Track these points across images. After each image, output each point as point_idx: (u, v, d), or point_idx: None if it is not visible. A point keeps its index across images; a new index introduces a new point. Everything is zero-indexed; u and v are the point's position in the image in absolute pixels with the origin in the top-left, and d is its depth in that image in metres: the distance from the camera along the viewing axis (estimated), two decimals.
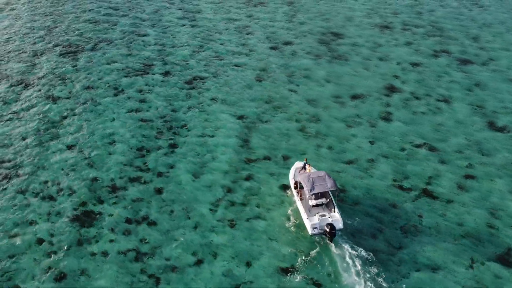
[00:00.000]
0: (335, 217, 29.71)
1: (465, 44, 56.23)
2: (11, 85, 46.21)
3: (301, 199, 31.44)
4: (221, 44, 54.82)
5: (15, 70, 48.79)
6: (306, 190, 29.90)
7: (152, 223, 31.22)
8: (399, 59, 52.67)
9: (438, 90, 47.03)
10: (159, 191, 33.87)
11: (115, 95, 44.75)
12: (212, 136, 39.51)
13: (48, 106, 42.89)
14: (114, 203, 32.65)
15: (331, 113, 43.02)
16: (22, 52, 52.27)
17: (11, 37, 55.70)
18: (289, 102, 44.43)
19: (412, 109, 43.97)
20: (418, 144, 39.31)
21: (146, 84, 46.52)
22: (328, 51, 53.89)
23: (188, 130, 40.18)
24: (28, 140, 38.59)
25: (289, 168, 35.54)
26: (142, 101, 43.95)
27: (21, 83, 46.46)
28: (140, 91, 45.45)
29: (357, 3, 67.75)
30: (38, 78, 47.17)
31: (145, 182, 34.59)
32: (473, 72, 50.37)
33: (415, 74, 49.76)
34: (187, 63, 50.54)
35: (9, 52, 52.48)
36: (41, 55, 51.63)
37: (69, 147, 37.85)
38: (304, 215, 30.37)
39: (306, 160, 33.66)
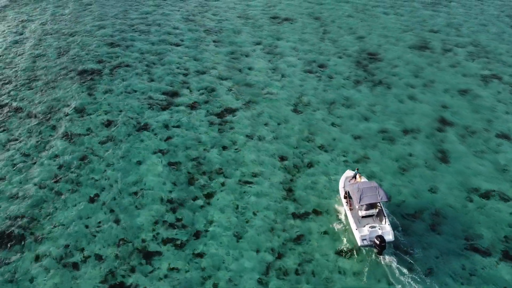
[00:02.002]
0: (386, 229, 29.15)
1: None
2: (22, 119, 41.66)
3: (350, 209, 30.87)
4: (250, 68, 50.22)
5: (27, 100, 44.22)
6: (355, 201, 29.60)
7: None
8: (446, 86, 48.03)
9: (495, 123, 42.40)
10: (198, 256, 29.28)
11: (138, 131, 40.16)
12: (252, 184, 34.91)
13: (64, 146, 38.31)
14: (149, 273, 28.06)
15: (381, 152, 38.42)
16: (34, 79, 47.70)
17: (22, 60, 51.13)
18: (333, 138, 39.82)
19: (471, 147, 39.36)
20: (486, 191, 34.71)
21: (172, 118, 41.93)
22: (367, 76, 49.26)
23: (224, 176, 35.59)
24: (44, 190, 34.00)
25: (346, 228, 30.97)
26: (169, 139, 39.35)
27: (33, 117, 41.90)
28: (166, 126, 40.85)
29: (389, 19, 63.11)
30: (53, 111, 42.60)
31: (181, 244, 30.00)
32: None
33: (466, 104, 45.13)
34: (214, 91, 45.94)
35: (20, 78, 47.91)
36: (54, 82, 47.05)
37: (91, 200, 33.26)
38: (353, 226, 29.78)
39: (357, 170, 32.90)
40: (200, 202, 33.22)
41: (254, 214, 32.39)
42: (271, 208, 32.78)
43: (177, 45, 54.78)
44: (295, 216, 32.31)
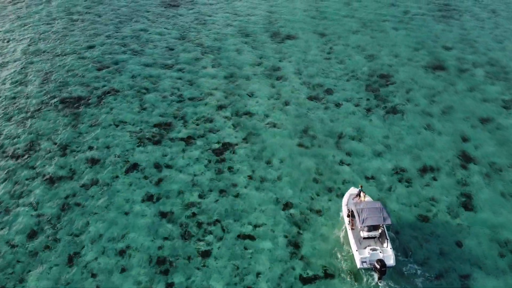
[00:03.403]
0: (388, 253, 27.93)
1: None
2: None
3: (352, 229, 29.70)
4: (250, 94, 46.06)
5: (4, 134, 40.10)
6: (358, 221, 28.26)
7: None
8: (465, 113, 43.88)
9: None
10: None
11: (127, 173, 36.05)
12: (253, 239, 30.79)
13: (44, 191, 34.20)
14: None
15: (398, 197, 34.28)
16: (13, 108, 43.55)
17: (1, 86, 46.96)
18: (343, 180, 35.67)
19: (498, 188, 35.22)
20: None
21: (164, 156, 37.82)
22: (378, 102, 45.09)
23: (222, 229, 31.46)
24: (17, 249, 29.88)
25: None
26: (161, 181, 35.24)
27: (10, 155, 37.77)
28: (157, 166, 36.74)
29: (399, 34, 58.92)
30: (32, 149, 38.48)
31: None
32: None
33: (488, 135, 40.98)
34: (212, 122, 41.81)
35: None
36: (36, 112, 42.92)
37: (70, 260, 29.13)
38: (354, 246, 28.65)
39: (361, 187, 31.43)
40: (195, 262, 29.11)
41: (257, 277, 28.29)
42: (275, 270, 28.67)
43: (172, 67, 50.66)
44: (302, 280, 28.21)
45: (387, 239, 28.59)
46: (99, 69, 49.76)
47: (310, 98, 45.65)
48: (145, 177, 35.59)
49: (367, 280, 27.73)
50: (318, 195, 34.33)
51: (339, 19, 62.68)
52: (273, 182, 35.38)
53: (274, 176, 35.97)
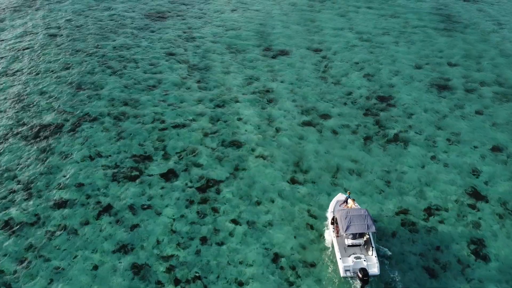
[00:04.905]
0: (372, 261, 27.32)
1: None
2: None
3: (337, 236, 29.00)
4: (238, 119, 42.27)
5: None
6: (341, 228, 27.78)
7: None
8: (474, 141, 40.18)
9: None
10: None
11: (98, 217, 32.21)
12: None
13: (2, 242, 30.32)
14: None
15: (401, 243, 30.54)
16: None
17: None
18: None
19: None
20: None
21: (141, 195, 33.99)
22: (378, 129, 41.34)
23: (203, 284, 27.65)
24: None
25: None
26: (136, 227, 31.43)
27: None
28: (133, 208, 32.92)
29: (400, 49, 55.20)
30: None
31: None
32: None
33: (500, 168, 37.27)
34: (195, 155, 38.01)
35: None
36: (1, 143, 39.03)
37: None
38: (338, 254, 27.99)
39: (349, 193, 30.93)
40: None
41: None
42: None
43: (155, 87, 46.84)
44: None
45: (372, 247, 27.97)
46: (75, 92, 45.89)
47: (304, 124, 41.88)
48: (117, 222, 31.75)
49: None
50: (312, 242, 30.55)
51: (335, 33, 58.95)
52: (262, 227, 31.60)
53: (263, 220, 32.19)
